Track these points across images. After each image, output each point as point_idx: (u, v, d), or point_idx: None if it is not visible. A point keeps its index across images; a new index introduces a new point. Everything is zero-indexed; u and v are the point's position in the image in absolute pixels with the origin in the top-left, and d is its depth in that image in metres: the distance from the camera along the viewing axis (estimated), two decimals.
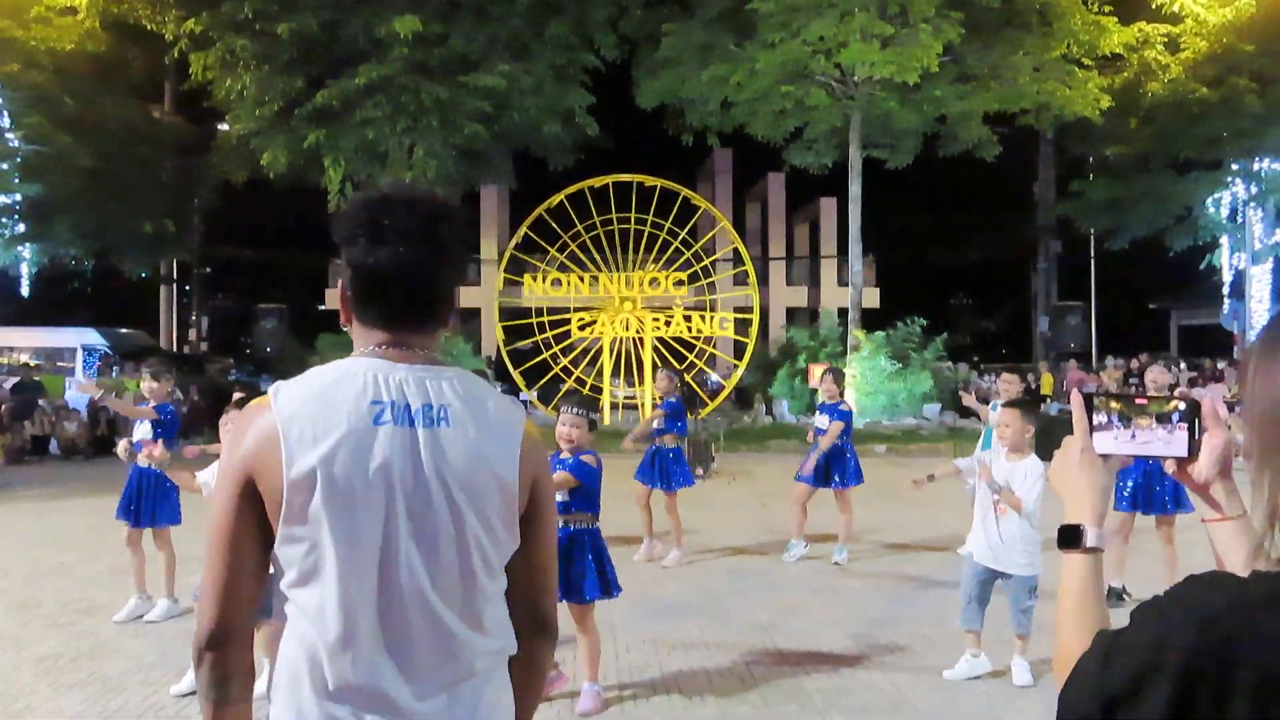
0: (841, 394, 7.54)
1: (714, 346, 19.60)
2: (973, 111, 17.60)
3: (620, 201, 18.16)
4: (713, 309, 18.82)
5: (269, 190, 20.05)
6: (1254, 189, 20.52)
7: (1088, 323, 23.92)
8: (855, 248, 18.27)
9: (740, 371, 19.08)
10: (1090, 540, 1.12)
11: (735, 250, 20.05)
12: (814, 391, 7.84)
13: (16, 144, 17.27)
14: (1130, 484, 5.98)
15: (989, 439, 6.92)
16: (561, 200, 18.09)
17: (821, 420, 7.30)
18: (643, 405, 16.95)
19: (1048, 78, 17.16)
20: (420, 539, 1.35)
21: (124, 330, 18.96)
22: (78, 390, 15.37)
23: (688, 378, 18.68)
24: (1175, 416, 1.17)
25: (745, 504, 10.07)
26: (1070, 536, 1.13)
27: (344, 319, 1.48)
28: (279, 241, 27.61)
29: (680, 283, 18.33)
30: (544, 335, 18.38)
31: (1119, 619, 0.96)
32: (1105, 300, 26.76)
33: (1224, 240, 21.91)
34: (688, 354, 18.50)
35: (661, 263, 18.84)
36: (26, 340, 17.76)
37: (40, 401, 15.11)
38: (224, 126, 19.96)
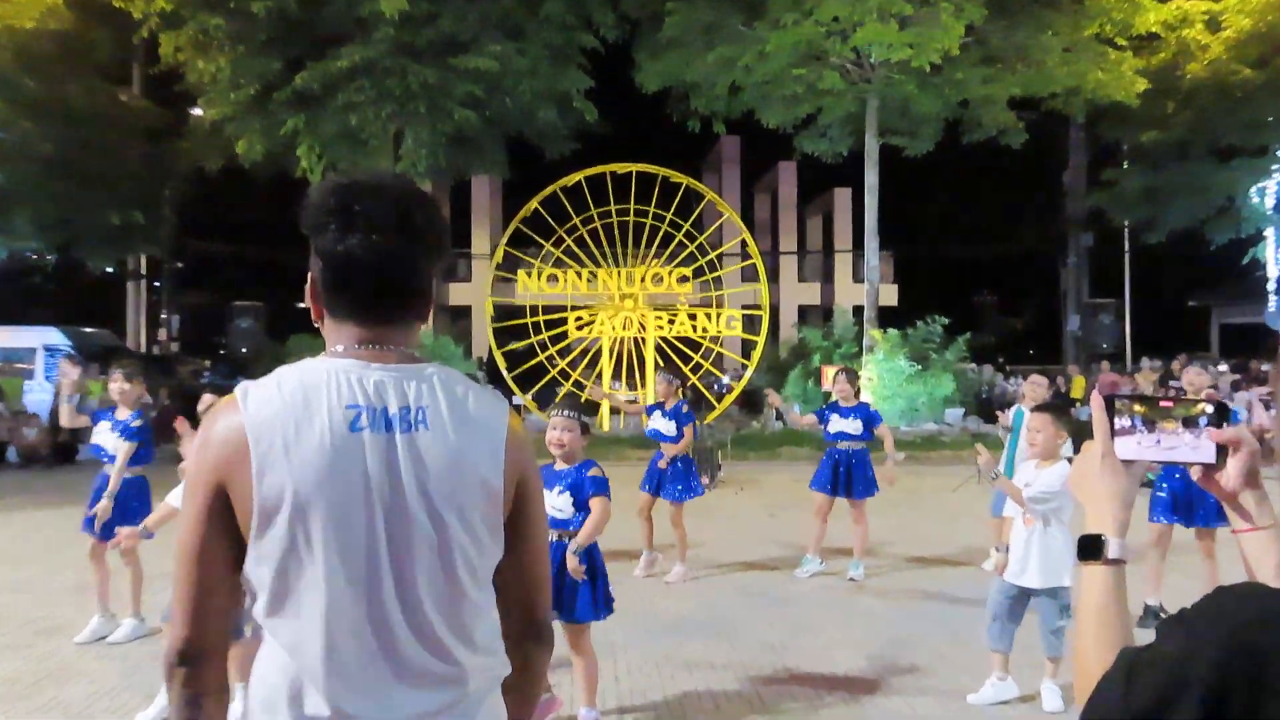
0: (857, 394, 7.53)
1: (721, 346, 19.60)
2: (997, 96, 17.59)
3: (620, 193, 18.19)
4: (719, 307, 18.82)
5: (245, 180, 20.07)
6: None
7: (1121, 321, 23.92)
8: (871, 241, 18.27)
9: (749, 373, 19.08)
10: (1112, 551, 1.12)
11: (743, 244, 20.07)
12: (828, 395, 7.84)
13: None
14: (1168, 491, 5.91)
15: (1014, 450, 6.91)
16: (557, 191, 18.11)
17: (852, 424, 7.26)
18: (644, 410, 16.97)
19: (1078, 59, 17.16)
20: (403, 555, 1.34)
21: (89, 329, 18.96)
22: (65, 387, 15.28)
23: (694, 379, 18.71)
24: (1202, 421, 1.16)
25: (754, 515, 10.08)
26: (1090, 547, 1.14)
27: (314, 314, 1.47)
28: (256, 235, 27.64)
29: (684, 279, 18.35)
30: (539, 336, 18.40)
31: (1146, 638, 0.96)
32: (1140, 297, 26.75)
33: (1269, 233, 21.89)
34: (693, 354, 18.51)
35: (664, 258, 18.86)
36: None
37: None
38: (197, 111, 19.98)
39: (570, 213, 18.34)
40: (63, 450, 14.63)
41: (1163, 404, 1.18)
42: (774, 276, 26.56)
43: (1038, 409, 4.73)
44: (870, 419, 7.33)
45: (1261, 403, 12.93)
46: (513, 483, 1.44)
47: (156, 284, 27.47)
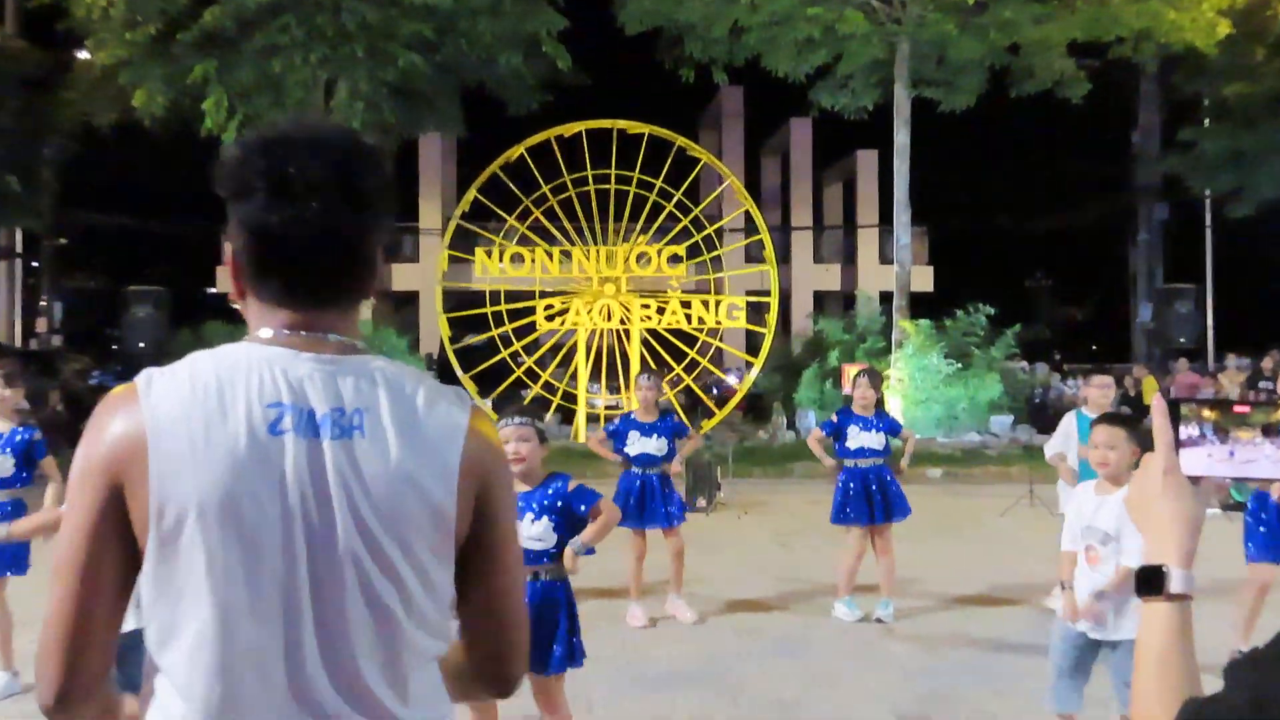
0: (881, 402, 7.55)
1: (720, 340, 19.63)
2: (1053, 39, 17.66)
3: (599, 155, 18.18)
4: (719, 293, 18.86)
5: (143, 139, 19.90)
6: None
7: (1202, 311, 24.07)
8: (902, 215, 18.33)
9: (754, 373, 19.13)
10: (1176, 585, 1.13)
11: (748, 218, 20.09)
12: (849, 399, 7.84)
13: None
14: (1270, 519, 5.94)
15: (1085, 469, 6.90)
16: (523, 154, 18.09)
17: (875, 438, 7.27)
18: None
19: None
20: (328, 587, 1.33)
21: None
22: None
23: (688, 380, 18.73)
24: None
25: (761, 544, 10.08)
26: (1151, 581, 1.14)
27: (235, 293, 1.45)
28: (156, 206, 27.47)
29: (677, 259, 18.38)
30: (501, 329, 18.38)
31: (1217, 687, 0.97)
32: (1225, 282, 26.95)
33: None
34: (688, 350, 18.55)
35: (652, 233, 18.87)
36: None
37: None
38: (84, 55, 19.81)
39: (538, 180, 18.34)
40: None
41: (1238, 409, 1.18)
42: (784, 256, 26.67)
43: (1107, 420, 4.67)
44: (893, 429, 7.41)
45: None
46: (470, 500, 1.41)
47: (35, 264, 27.24)
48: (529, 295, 18.46)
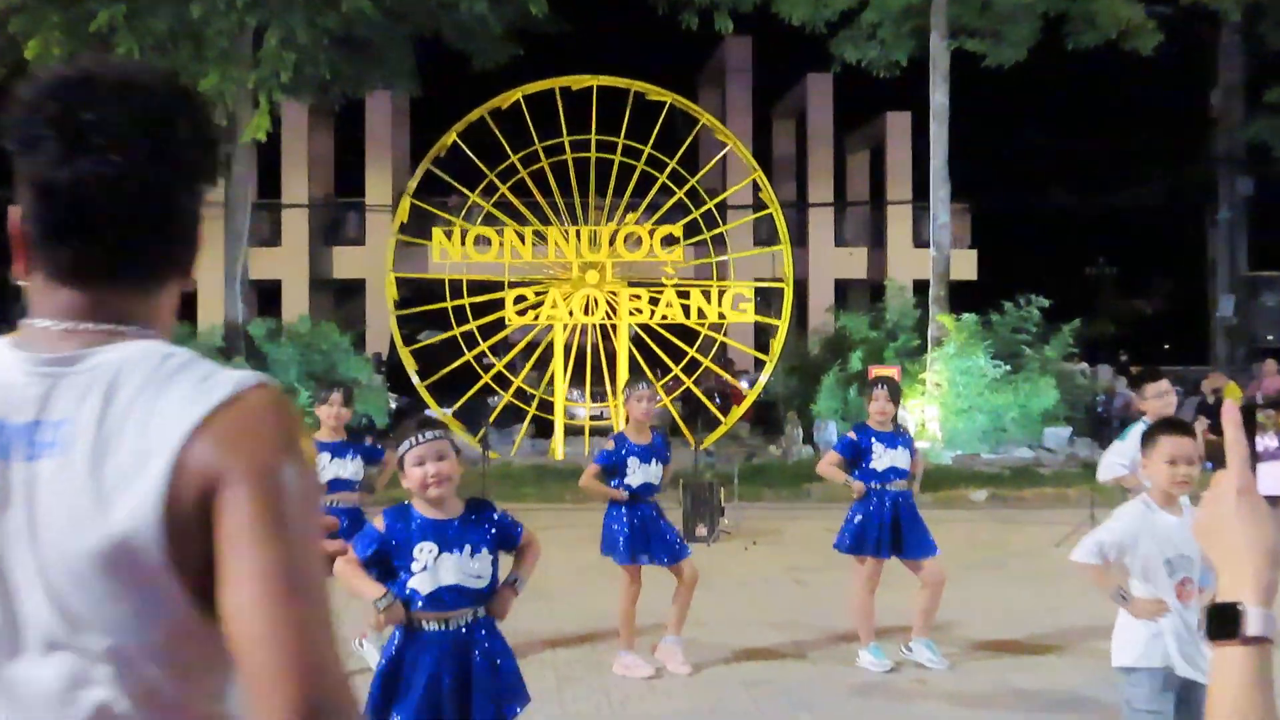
0: (895, 420, 7.52)
1: (725, 335, 19.62)
2: None
3: (578, 118, 18.17)
4: (723, 280, 18.87)
5: None
6: None
7: None
8: (940, 189, 18.36)
9: (764, 376, 19.13)
10: (1253, 626, 1.14)
11: (756, 190, 20.11)
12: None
13: None
14: None
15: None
16: (485, 117, 18.05)
17: (902, 456, 7.28)
18: (616, 428, 16.95)
19: None
20: (13, 655, 1.29)
21: None
22: None
23: (688, 382, 18.71)
24: None
25: (772, 580, 10.08)
26: (1224, 620, 1.14)
27: (18, 268, 1.40)
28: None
29: (672, 240, 18.37)
30: (465, 326, 18.33)
31: None
32: None
33: None
34: (687, 348, 18.54)
35: (642, 210, 18.86)
36: None
37: None
38: None
39: (506, 148, 18.30)
40: None
41: None
42: (800, 238, 26.68)
43: (1171, 428, 4.68)
44: (912, 447, 7.45)
45: None
46: (187, 507, 1.26)
47: None
48: (497, 285, 18.44)
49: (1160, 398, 6.93)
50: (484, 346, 18.52)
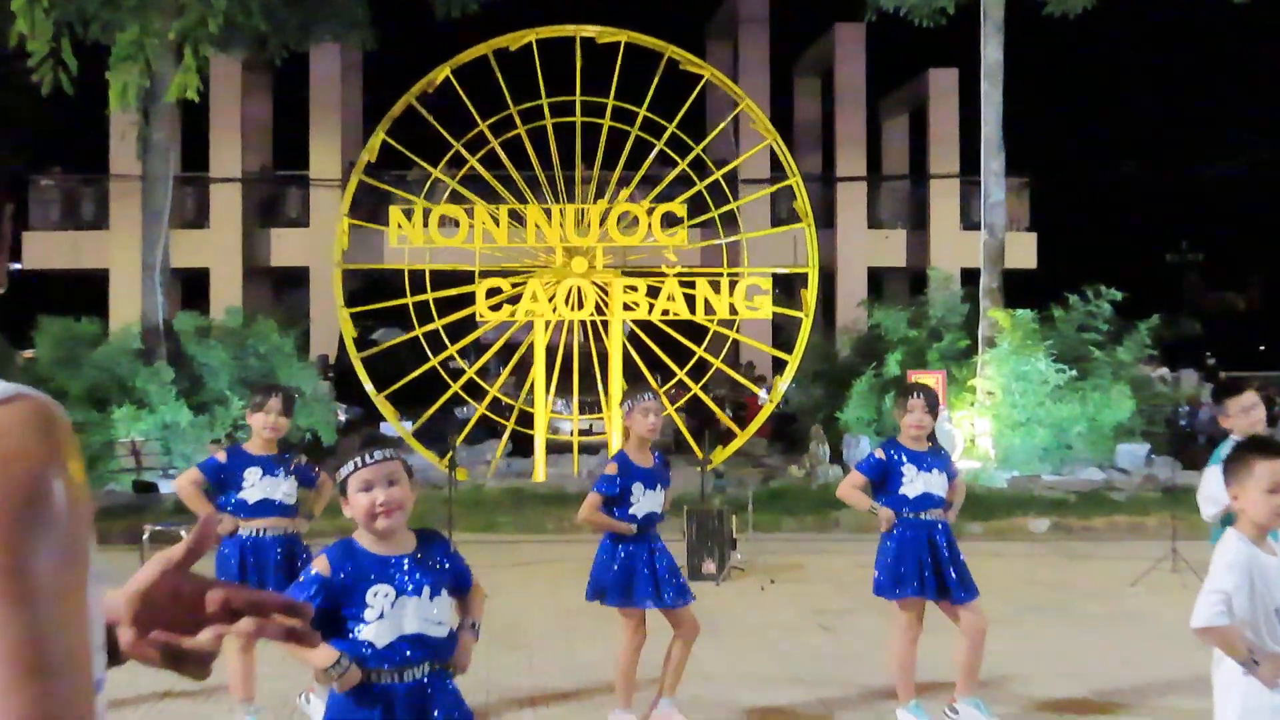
0: (932, 435, 7.49)
1: (738, 332, 19.61)
2: None
3: (559, 77, 18.17)
4: (734, 267, 18.87)
5: None
6: None
7: None
8: (993, 161, 18.37)
9: (783, 382, 19.13)
10: None
11: (774, 159, 20.10)
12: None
13: None
14: None
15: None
16: (449, 75, 18.05)
17: (939, 480, 7.28)
18: (610, 445, 16.96)
19: None
20: None
21: None
22: None
23: (696, 389, 18.70)
24: None
25: (793, 626, 10.07)
26: None
27: None
28: None
29: (674, 220, 18.37)
30: (429, 326, 18.30)
31: None
32: None
33: None
34: (695, 347, 18.54)
35: (635, 183, 18.86)
36: None
37: None
38: None
39: (474, 114, 18.30)
40: None
41: None
42: (827, 217, 26.68)
43: (1271, 450, 4.67)
44: (951, 469, 7.41)
45: None
46: None
47: None
48: (466, 276, 18.44)
49: (1246, 413, 6.82)
50: (452, 350, 18.50)
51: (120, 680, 4.71)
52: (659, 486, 7.12)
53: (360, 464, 4.02)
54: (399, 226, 18.09)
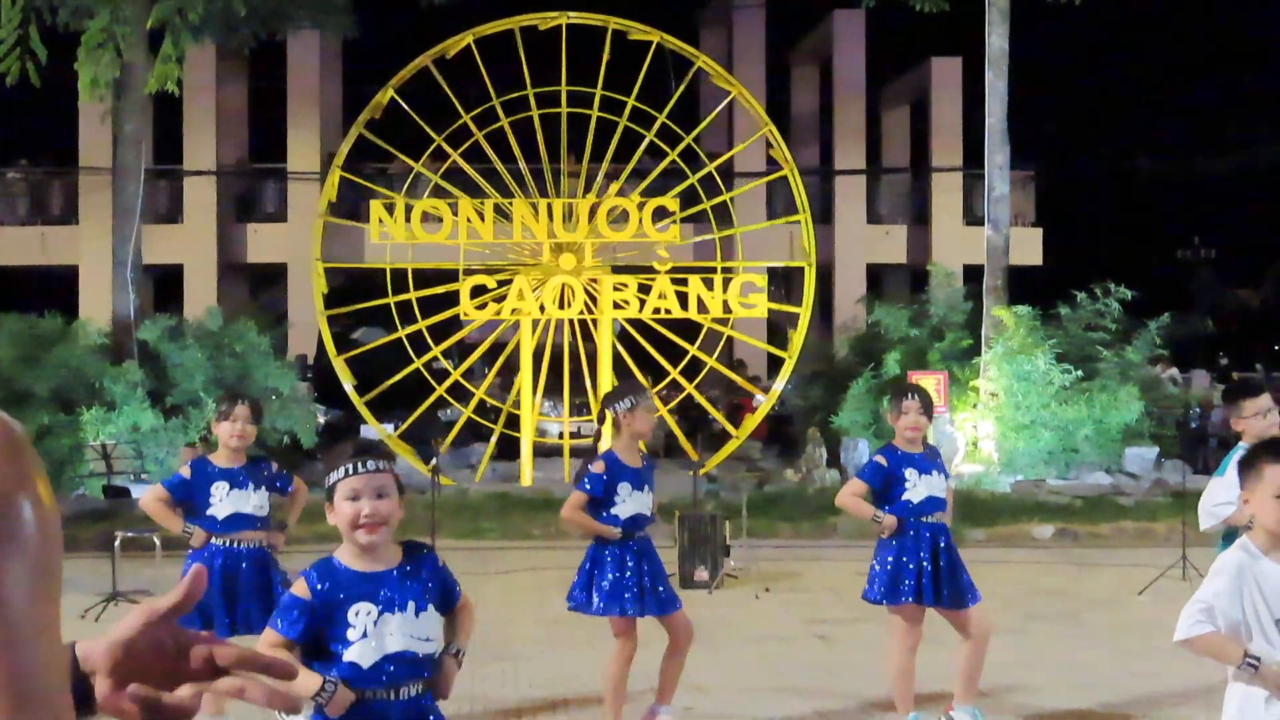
0: (926, 437, 7.53)
1: (732, 329, 19.61)
2: None
3: (544, 64, 18.15)
4: (728, 261, 18.86)
5: None
6: None
7: None
8: (997, 153, 18.38)
9: (779, 383, 19.13)
10: None
11: (769, 150, 20.10)
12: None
13: None
14: None
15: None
16: (430, 65, 18.03)
17: (939, 483, 7.31)
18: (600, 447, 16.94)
19: None
20: None
21: None
22: None
23: (690, 388, 18.70)
24: None
25: (789, 636, 10.08)
26: None
27: None
28: None
29: (665, 214, 18.36)
30: (412, 327, 18.28)
31: None
32: None
33: None
34: (688, 346, 18.53)
35: (625, 176, 18.84)
36: None
37: None
38: None
39: (456, 105, 18.28)
40: None
41: None
42: (824, 213, 26.67)
43: (1275, 451, 4.67)
44: (944, 470, 7.48)
45: None
46: None
47: None
48: (450, 274, 18.43)
49: (1260, 416, 6.83)
50: (436, 351, 18.49)
51: None
52: (646, 488, 7.10)
53: (351, 471, 3.99)
54: (380, 222, 18.10)
